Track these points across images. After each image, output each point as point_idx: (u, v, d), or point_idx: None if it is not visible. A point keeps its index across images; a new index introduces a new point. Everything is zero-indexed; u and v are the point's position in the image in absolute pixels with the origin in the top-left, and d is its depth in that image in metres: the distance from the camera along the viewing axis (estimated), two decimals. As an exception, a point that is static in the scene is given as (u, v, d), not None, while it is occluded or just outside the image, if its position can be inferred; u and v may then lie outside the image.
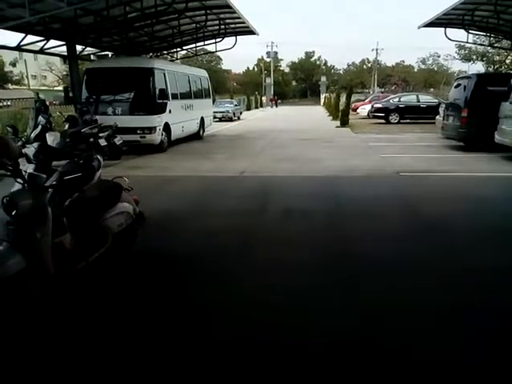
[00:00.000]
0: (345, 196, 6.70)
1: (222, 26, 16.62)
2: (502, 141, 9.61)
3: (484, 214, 5.55)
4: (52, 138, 8.08)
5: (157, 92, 11.49)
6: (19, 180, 2.99)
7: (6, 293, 2.74)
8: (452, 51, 59.88)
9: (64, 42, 13.22)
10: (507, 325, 2.88)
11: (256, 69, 73.83)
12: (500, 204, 6.08)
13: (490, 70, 34.41)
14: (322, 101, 51.18)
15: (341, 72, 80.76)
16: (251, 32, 17.97)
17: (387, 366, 2.47)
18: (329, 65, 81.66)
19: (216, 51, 21.61)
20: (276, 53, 68.85)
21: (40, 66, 44.23)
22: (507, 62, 33.72)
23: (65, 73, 38.35)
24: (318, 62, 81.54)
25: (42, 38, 12.56)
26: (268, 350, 2.62)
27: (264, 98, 55.95)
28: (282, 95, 69.15)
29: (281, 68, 77.57)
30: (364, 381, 2.37)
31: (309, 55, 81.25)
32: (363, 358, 2.54)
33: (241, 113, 30.70)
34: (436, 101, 20.35)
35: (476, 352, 2.58)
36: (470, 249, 4.33)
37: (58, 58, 24.57)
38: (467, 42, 21.37)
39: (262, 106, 51.53)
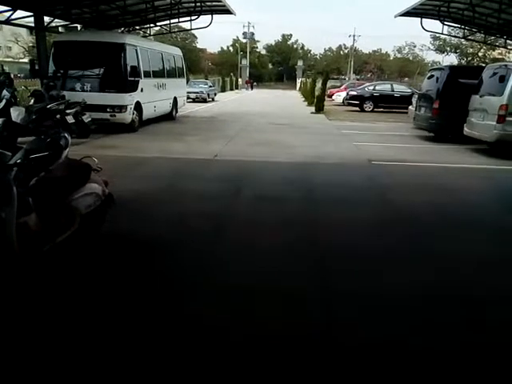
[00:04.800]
0: (317, 183, 6.74)
1: (198, 4, 16.23)
2: (470, 133, 9.87)
3: (449, 203, 5.71)
4: (17, 114, 7.76)
5: (128, 69, 11.11)
6: (-18, 158, 2.85)
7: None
8: (427, 41, 60.76)
9: (31, 13, 12.60)
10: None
11: (232, 49, 72.80)
12: (465, 194, 6.26)
13: (463, 62, 35.19)
14: (298, 85, 51.12)
15: (317, 57, 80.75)
16: (228, 11, 17.63)
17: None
18: (306, 49, 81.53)
19: (191, 29, 21.16)
20: (253, 34, 67.95)
21: (5, 36, 42.07)
22: (480, 54, 34.57)
23: (31, 44, 36.59)
24: (295, 46, 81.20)
25: (9, 8, 11.91)
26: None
27: (240, 80, 55.39)
28: (258, 78, 68.61)
29: (257, 50, 76.74)
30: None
31: (286, 38, 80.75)
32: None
33: (215, 94, 30.31)
34: (409, 91, 20.67)
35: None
36: (432, 235, 4.46)
37: (25, 29, 23.44)
38: (442, 34, 21.69)
39: (237, 88, 51.01)
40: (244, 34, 66.53)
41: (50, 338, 2.56)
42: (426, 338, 2.67)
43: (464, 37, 22.25)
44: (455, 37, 27.09)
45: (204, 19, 18.01)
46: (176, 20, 18.84)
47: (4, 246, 2.81)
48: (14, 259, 2.89)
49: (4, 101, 9.19)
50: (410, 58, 58.63)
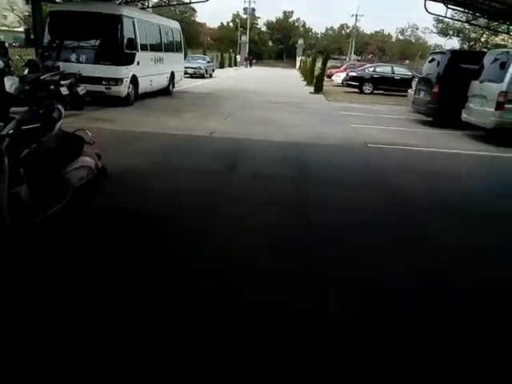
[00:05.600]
0: (311, 163, 6.73)
1: (199, -24, 15.85)
2: (468, 119, 9.84)
3: (442, 187, 5.74)
4: (10, 83, 7.59)
5: (125, 41, 10.92)
6: (-27, 127, 2.82)
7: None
8: (430, 24, 59.84)
9: (27, -20, 12.28)
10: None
11: (232, 25, 71.49)
12: (458, 178, 6.29)
13: (465, 46, 34.80)
14: (298, 64, 50.49)
15: (319, 36, 79.62)
16: (229, -15, 17.24)
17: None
18: (307, 27, 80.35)
19: (190, 2, 20.67)
20: (253, 9, 66.54)
21: (1, 4, 40.99)
22: (482, 40, 34.17)
23: (27, 13, 35.74)
24: (296, 24, 79.90)
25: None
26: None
27: (238, 57, 54.59)
28: (257, 55, 67.67)
29: (258, 26, 75.41)
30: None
31: (287, 15, 79.41)
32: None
33: (213, 70, 29.89)
34: (410, 74, 20.45)
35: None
36: (421, 219, 4.49)
37: (21, -4, 22.94)
38: (445, 17, 21.34)
39: (236, 64, 50.31)
40: (244, 9, 65.21)
41: (38, 309, 2.58)
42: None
43: (467, 21, 21.96)
44: (458, 21, 26.66)
45: (204, -8, 17.64)
46: (175, -8, 18.43)
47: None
48: (4, 229, 2.89)
49: (-3, 70, 9.01)
50: (413, 41, 57.97)
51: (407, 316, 2.76)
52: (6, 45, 11.59)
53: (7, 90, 7.17)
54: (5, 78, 8.31)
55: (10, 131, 3.04)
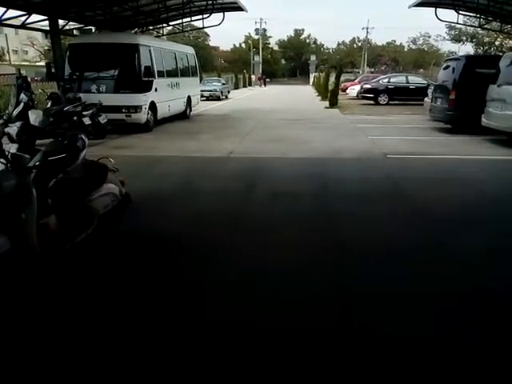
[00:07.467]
0: (332, 178, 6.72)
1: (210, 2, 16.24)
2: (488, 124, 9.68)
3: (468, 196, 5.62)
4: (35, 117, 7.85)
5: (142, 69, 11.22)
6: (2, 160, 2.93)
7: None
8: (443, 32, 59.53)
9: (46, 17, 12.80)
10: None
11: (244, 46, 72.69)
12: (481, 185, 6.16)
13: (480, 51, 34.48)
14: (312, 80, 50.82)
15: (331, 51, 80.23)
16: (239, 8, 17.63)
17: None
18: (318, 43, 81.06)
19: (203, 27, 21.18)
20: (265, 30, 68.08)
21: (21, 40, 42.75)
22: (496, 43, 33.82)
23: (47, 48, 37.23)
24: (307, 41, 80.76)
25: (24, 13, 12.12)
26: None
27: (253, 77, 55.31)
28: (270, 74, 68.38)
29: (270, 46, 76.47)
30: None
31: (298, 33, 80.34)
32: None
33: (228, 92, 30.36)
34: (425, 82, 20.36)
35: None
36: (448, 230, 4.39)
37: (40, 33, 23.85)
38: (457, 23, 21.41)
39: (250, 84, 50.96)
40: (256, 30, 66.56)
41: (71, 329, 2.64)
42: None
43: (480, 26, 21.80)
44: (471, 26, 26.56)
45: (216, 17, 18.08)
46: (188, 19, 18.93)
47: (25, 246, 2.89)
48: (34, 258, 2.97)
49: (22, 104, 9.33)
50: (425, 49, 57.74)
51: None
52: (29, 79, 12.03)
53: (32, 123, 7.43)
54: (29, 112, 8.63)
55: (37, 163, 3.15)
